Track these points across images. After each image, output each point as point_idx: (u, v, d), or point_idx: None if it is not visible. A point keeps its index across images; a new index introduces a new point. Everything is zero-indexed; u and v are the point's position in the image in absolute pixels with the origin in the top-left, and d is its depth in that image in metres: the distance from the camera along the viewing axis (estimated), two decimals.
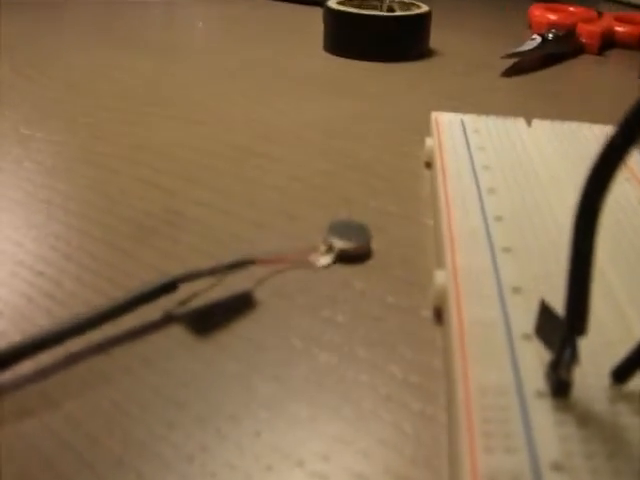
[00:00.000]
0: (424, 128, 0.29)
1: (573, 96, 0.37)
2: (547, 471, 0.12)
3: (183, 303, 0.18)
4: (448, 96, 0.35)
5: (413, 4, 0.43)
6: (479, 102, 0.34)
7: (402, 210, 0.23)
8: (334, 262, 0.20)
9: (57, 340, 0.16)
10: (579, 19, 0.47)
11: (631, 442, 0.12)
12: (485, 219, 0.20)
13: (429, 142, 0.26)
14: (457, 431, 0.13)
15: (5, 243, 0.21)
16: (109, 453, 0.14)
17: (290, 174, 0.25)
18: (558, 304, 0.13)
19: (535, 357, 0.14)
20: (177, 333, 0.17)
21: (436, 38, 0.44)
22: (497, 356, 0.14)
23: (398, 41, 0.41)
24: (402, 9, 0.43)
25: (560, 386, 0.13)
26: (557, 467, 0.12)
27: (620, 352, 0.14)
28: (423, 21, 0.42)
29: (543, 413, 0.13)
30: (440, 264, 0.19)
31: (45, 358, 0.16)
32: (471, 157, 0.24)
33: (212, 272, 0.18)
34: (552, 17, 0.48)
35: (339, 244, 0.20)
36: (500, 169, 0.23)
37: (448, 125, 0.27)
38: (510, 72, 0.40)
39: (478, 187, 0.21)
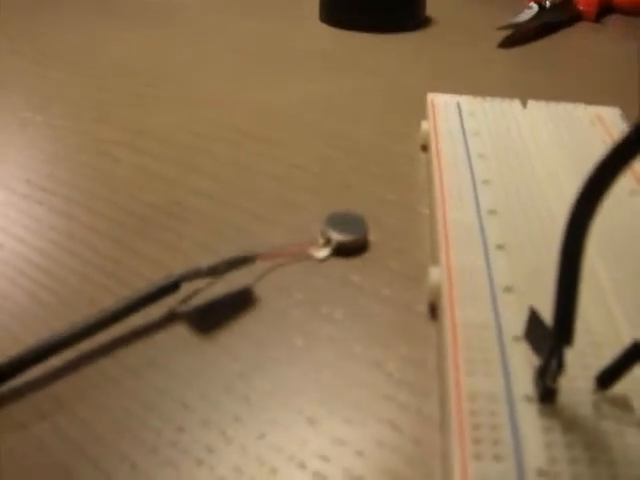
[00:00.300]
0: (421, 107, 0.29)
1: (571, 69, 0.37)
2: (532, 478, 0.12)
3: (185, 301, 0.19)
4: (445, 71, 0.35)
5: None
6: (476, 77, 0.34)
7: (399, 198, 0.24)
8: (332, 254, 0.21)
9: (67, 344, 0.16)
10: None
11: (612, 448, 0.13)
12: (479, 213, 0.20)
13: (425, 125, 0.27)
14: (449, 437, 0.14)
15: (6, 237, 0.21)
16: (121, 457, 0.14)
17: (289, 161, 0.26)
18: (548, 303, 0.13)
19: (524, 360, 0.15)
20: (180, 332, 0.18)
21: (433, 4, 0.44)
22: (488, 361, 0.15)
23: (395, 9, 0.41)
24: None
25: (547, 393, 0.14)
26: (541, 473, 0.12)
27: (607, 354, 0.15)
28: None
29: (530, 419, 0.14)
30: (435, 259, 0.19)
31: (54, 361, 0.16)
32: (466, 144, 0.24)
33: (214, 272, 0.18)
34: None
35: (336, 237, 0.21)
36: (495, 157, 0.23)
37: (444, 107, 0.27)
38: (507, 43, 0.40)
39: (473, 178, 0.22)
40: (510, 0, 0.47)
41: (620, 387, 0.14)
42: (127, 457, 0.14)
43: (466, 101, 0.28)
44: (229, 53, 0.37)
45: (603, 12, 0.46)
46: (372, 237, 0.21)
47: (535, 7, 0.42)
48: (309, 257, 0.21)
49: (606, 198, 0.12)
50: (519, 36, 0.40)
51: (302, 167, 0.25)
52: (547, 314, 0.14)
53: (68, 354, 0.17)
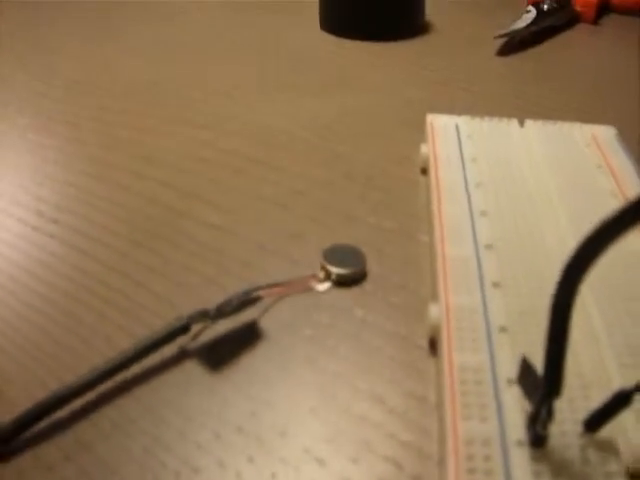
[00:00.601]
0: (420, 123, 0.29)
1: (570, 76, 0.37)
2: None
3: (194, 338, 0.20)
4: (444, 83, 0.36)
5: None
6: (475, 88, 0.35)
7: (398, 225, 0.25)
8: (333, 286, 0.22)
9: (90, 386, 0.17)
10: None
11: None
12: (477, 248, 0.21)
13: (424, 149, 0.27)
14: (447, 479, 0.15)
15: (20, 271, 0.22)
16: None
17: (291, 186, 0.27)
18: (541, 343, 0.14)
19: (517, 404, 0.16)
20: (192, 369, 0.19)
21: (431, 10, 0.44)
22: (484, 406, 0.16)
23: (394, 17, 0.41)
24: None
25: (537, 438, 0.15)
26: None
27: (596, 396, 0.16)
28: None
29: (522, 464, 0.15)
30: (434, 294, 0.20)
31: (77, 402, 0.18)
32: (465, 172, 0.25)
33: (222, 314, 0.19)
34: None
35: (335, 270, 0.22)
36: (493, 184, 0.24)
37: (443, 130, 0.28)
38: (506, 50, 0.40)
39: (471, 209, 0.23)
40: (509, 4, 0.48)
41: (607, 431, 0.15)
42: None
43: (464, 122, 0.29)
44: (230, 66, 0.38)
45: (601, 13, 0.46)
46: (373, 268, 0.22)
47: (533, 11, 0.43)
48: (311, 289, 0.22)
49: (597, 262, 0.13)
50: (517, 42, 0.41)
51: (304, 193, 0.26)
52: (539, 354, 0.14)
53: (89, 394, 0.18)
